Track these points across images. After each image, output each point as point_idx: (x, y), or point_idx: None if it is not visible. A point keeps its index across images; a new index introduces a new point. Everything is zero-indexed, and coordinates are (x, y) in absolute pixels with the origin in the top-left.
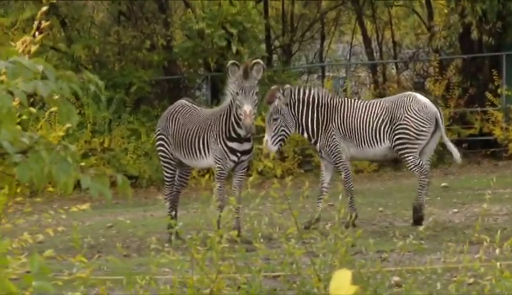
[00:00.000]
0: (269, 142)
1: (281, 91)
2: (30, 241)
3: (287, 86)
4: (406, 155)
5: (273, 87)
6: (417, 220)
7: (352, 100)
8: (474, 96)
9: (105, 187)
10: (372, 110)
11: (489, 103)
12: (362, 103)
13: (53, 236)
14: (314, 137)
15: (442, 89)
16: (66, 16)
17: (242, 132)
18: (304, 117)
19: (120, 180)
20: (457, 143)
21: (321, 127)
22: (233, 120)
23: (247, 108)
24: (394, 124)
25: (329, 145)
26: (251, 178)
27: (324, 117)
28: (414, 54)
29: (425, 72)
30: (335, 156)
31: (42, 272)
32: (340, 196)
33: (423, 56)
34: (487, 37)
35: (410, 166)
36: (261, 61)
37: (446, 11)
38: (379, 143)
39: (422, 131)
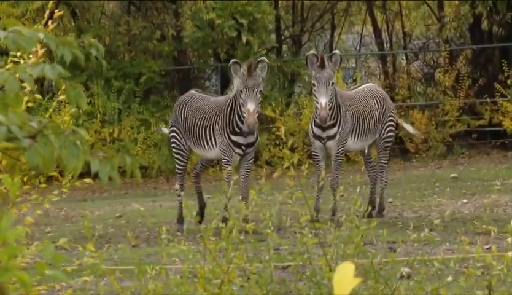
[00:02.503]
0: (327, 106)
1: (328, 57)
2: (32, 222)
3: (336, 51)
4: (388, 150)
5: (310, 52)
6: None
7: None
8: (483, 86)
9: (113, 170)
10: (368, 98)
11: (499, 94)
12: (354, 92)
13: (62, 227)
14: (333, 120)
15: (452, 79)
16: (76, 6)
17: (244, 128)
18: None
19: (129, 162)
20: (466, 134)
21: (340, 111)
22: (236, 115)
23: (251, 107)
24: (386, 115)
25: (344, 131)
26: (275, 174)
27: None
28: (424, 44)
29: (435, 63)
30: (343, 145)
31: (55, 261)
32: (358, 188)
33: (433, 47)
34: (497, 27)
35: (386, 162)
36: (265, 59)
37: (456, 1)
38: (376, 134)
39: None
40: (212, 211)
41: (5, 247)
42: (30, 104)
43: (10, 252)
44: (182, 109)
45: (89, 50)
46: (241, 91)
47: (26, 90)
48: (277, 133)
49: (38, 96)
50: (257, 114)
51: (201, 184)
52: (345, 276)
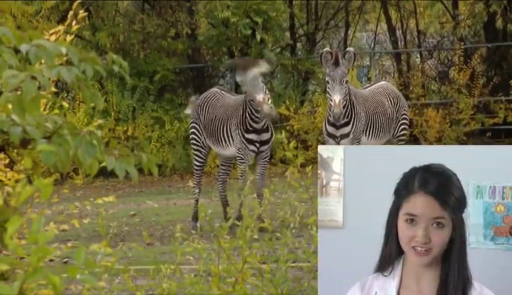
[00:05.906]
0: (341, 103)
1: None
2: (56, 232)
3: (350, 49)
4: None
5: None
6: None
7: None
8: (498, 85)
9: (130, 166)
10: (381, 97)
11: None
12: (368, 90)
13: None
14: (347, 118)
15: (467, 78)
16: (91, 4)
17: (259, 115)
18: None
19: (145, 159)
20: (481, 132)
21: (353, 109)
22: (248, 113)
23: (259, 97)
24: (399, 113)
25: (358, 130)
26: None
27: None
28: (439, 43)
29: (450, 61)
30: (357, 143)
31: (86, 265)
32: None
33: (448, 45)
34: (511, 26)
35: None
36: (270, 56)
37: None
38: (390, 133)
39: None
40: (227, 209)
41: (35, 248)
42: (56, 111)
43: (41, 254)
44: (203, 106)
45: (111, 66)
46: (247, 86)
47: (46, 91)
48: (291, 130)
49: (65, 104)
50: (269, 100)
51: (226, 193)
52: None
